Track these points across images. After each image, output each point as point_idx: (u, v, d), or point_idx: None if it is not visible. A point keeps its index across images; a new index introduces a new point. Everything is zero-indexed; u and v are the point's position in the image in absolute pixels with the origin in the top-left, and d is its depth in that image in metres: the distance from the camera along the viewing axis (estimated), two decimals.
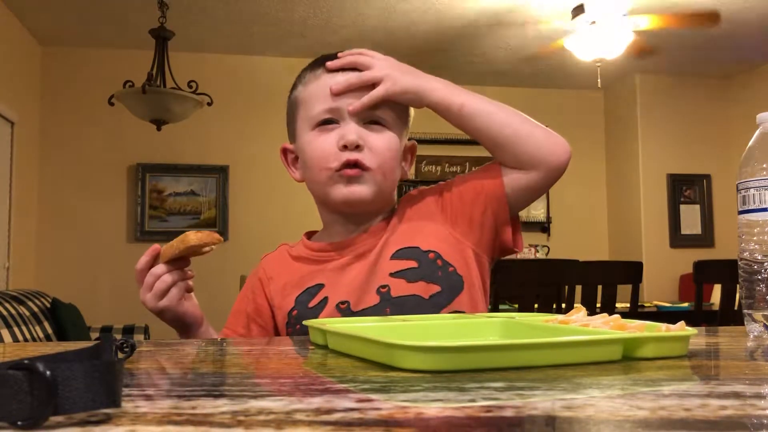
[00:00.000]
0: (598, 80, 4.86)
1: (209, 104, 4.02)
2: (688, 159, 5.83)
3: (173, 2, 4.06)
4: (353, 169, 0.96)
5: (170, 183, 5.17)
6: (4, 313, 2.87)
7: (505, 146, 0.96)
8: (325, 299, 0.99)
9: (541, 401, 0.37)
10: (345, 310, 0.97)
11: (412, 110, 1.07)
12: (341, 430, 0.31)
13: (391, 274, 0.97)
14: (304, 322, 0.73)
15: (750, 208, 0.75)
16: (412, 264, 0.98)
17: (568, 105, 6.13)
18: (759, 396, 0.39)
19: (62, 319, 3.47)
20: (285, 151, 1.08)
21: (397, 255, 0.99)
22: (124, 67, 4.61)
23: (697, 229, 5.84)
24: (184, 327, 0.96)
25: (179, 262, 0.92)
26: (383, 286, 0.97)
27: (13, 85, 4.51)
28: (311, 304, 0.99)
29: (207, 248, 0.87)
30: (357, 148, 0.96)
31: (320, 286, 1.00)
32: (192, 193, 5.19)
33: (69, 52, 5.06)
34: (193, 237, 0.85)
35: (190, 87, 3.92)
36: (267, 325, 1.04)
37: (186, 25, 4.47)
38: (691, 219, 5.83)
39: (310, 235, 1.11)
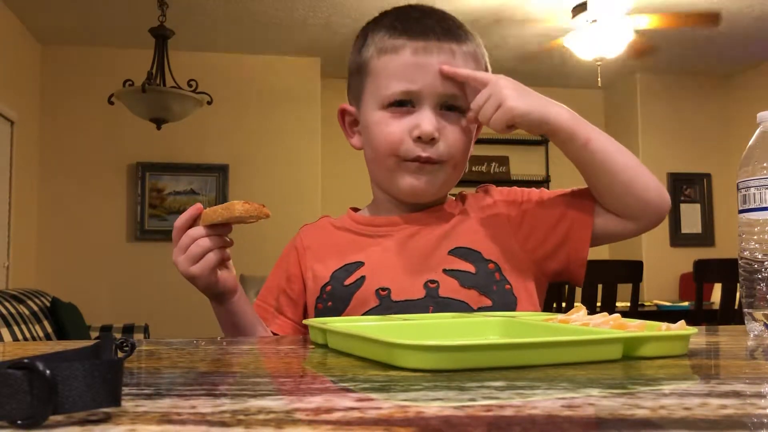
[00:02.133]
0: (599, 79, 4.86)
1: (209, 103, 4.01)
2: (689, 158, 5.83)
3: (173, 1, 4.06)
4: (424, 163, 0.90)
5: (170, 182, 5.17)
6: (4, 312, 2.87)
7: (616, 192, 0.89)
8: (362, 278, 0.92)
9: (541, 400, 0.37)
10: (385, 297, 0.90)
11: None
12: (341, 430, 0.31)
13: (445, 271, 0.91)
14: (304, 321, 0.72)
15: (750, 207, 0.75)
16: (470, 268, 0.92)
17: (568, 104, 6.00)
18: (759, 395, 0.39)
19: (62, 318, 3.47)
20: (344, 113, 1.00)
21: (457, 252, 0.93)
22: (124, 66, 4.61)
23: (697, 228, 5.84)
24: (216, 296, 0.89)
25: (220, 228, 0.84)
26: (432, 281, 0.90)
27: (13, 84, 4.51)
28: (347, 282, 0.93)
29: (252, 219, 0.81)
30: (432, 140, 0.89)
31: (359, 264, 0.93)
32: (192, 192, 5.19)
33: (69, 51, 5.06)
34: (239, 207, 0.80)
35: (190, 86, 3.92)
36: (298, 299, 0.98)
37: (186, 24, 4.46)
38: (691, 218, 5.83)
39: (356, 210, 1.05)
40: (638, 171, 0.89)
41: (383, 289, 0.91)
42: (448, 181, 0.95)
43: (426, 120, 0.89)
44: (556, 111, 0.88)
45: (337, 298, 0.93)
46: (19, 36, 4.65)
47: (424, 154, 0.90)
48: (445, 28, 0.93)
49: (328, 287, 0.94)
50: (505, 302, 0.91)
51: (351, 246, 0.96)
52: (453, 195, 1.03)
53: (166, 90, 3.79)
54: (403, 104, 0.91)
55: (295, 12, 4.45)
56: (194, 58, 4.96)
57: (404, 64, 0.90)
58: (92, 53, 5.08)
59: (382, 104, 0.91)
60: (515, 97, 0.86)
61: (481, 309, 0.89)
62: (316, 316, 0.94)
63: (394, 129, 0.90)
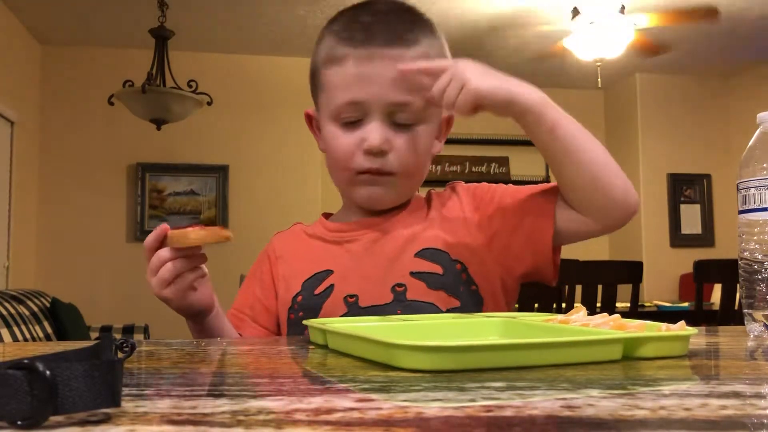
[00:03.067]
0: (598, 80, 4.86)
1: (209, 104, 4.01)
2: (689, 158, 5.83)
3: (173, 2, 4.06)
4: (376, 175, 0.89)
5: (170, 182, 5.17)
6: (4, 312, 2.87)
7: (579, 186, 0.85)
8: (332, 287, 0.91)
9: (541, 401, 0.37)
10: (353, 304, 0.89)
11: None
12: (341, 430, 0.31)
13: (412, 274, 0.90)
14: (304, 322, 0.72)
15: (750, 207, 0.75)
16: (437, 269, 0.90)
17: (568, 105, 6.01)
18: (759, 396, 0.39)
19: (62, 318, 3.47)
20: (310, 118, 1.00)
21: (424, 254, 0.91)
22: (124, 67, 4.61)
23: (697, 229, 5.84)
24: (191, 316, 0.88)
25: (189, 249, 0.82)
26: (400, 285, 0.89)
27: (13, 84, 4.51)
28: (317, 291, 0.92)
29: (213, 242, 0.79)
30: (381, 153, 0.88)
31: (329, 273, 0.93)
32: (192, 192, 5.19)
33: (69, 52, 5.06)
34: (193, 236, 0.79)
35: (190, 86, 3.92)
36: (272, 307, 0.97)
37: (186, 25, 4.46)
38: (691, 218, 5.83)
39: (328, 216, 1.04)
40: (606, 166, 0.84)
41: (351, 296, 0.90)
42: (404, 188, 0.95)
43: (373, 133, 0.87)
44: (525, 91, 0.82)
45: (308, 308, 0.92)
46: (19, 36, 4.65)
47: (374, 167, 0.88)
48: (392, 34, 0.89)
49: (299, 297, 0.93)
50: (473, 303, 0.90)
51: (321, 254, 0.96)
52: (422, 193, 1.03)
53: (166, 90, 3.79)
54: (353, 116, 0.89)
55: (296, 12, 4.45)
56: (194, 58, 4.96)
57: (349, 76, 0.88)
58: (92, 54, 5.08)
59: (332, 117, 0.91)
60: (479, 76, 0.81)
61: (450, 310, 0.88)
62: (288, 327, 0.94)
63: (343, 142, 0.90)
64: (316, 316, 0.90)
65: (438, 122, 0.96)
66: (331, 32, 0.93)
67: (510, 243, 0.92)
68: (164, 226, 0.82)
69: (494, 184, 0.99)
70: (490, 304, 0.92)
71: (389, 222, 0.96)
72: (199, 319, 0.89)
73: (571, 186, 0.87)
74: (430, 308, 0.88)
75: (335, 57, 0.90)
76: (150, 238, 0.82)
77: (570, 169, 0.85)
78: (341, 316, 0.89)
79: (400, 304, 0.89)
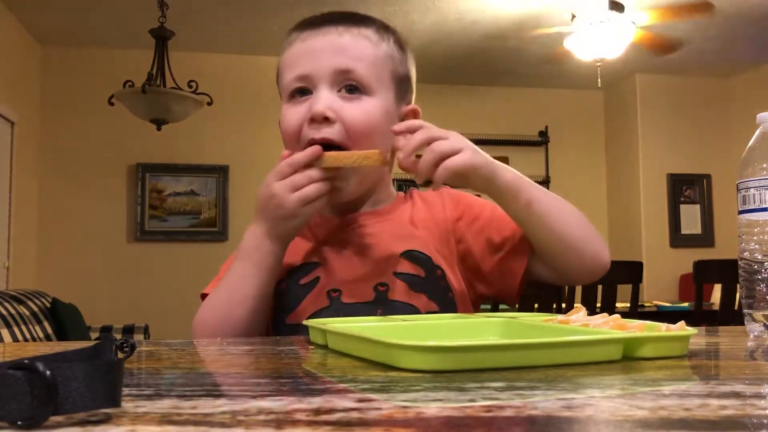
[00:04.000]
0: (598, 80, 4.86)
1: (209, 104, 4.01)
2: (689, 159, 5.83)
3: (173, 2, 4.06)
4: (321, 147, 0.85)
5: (170, 183, 5.17)
6: (4, 312, 2.87)
7: (551, 253, 0.89)
8: (317, 280, 0.91)
9: (541, 401, 0.37)
10: (336, 299, 0.89)
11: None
12: (341, 430, 0.31)
13: (396, 274, 0.90)
14: (304, 322, 0.72)
15: (750, 207, 0.75)
16: (420, 272, 0.91)
17: (568, 105, 6.14)
18: (759, 396, 0.39)
19: (62, 318, 3.47)
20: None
21: (408, 255, 0.91)
22: (124, 67, 4.61)
23: (697, 229, 5.84)
24: (287, 235, 0.86)
25: (331, 172, 0.83)
26: (382, 285, 0.90)
27: (13, 85, 4.51)
28: (303, 281, 0.92)
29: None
30: (326, 120, 0.86)
31: (316, 265, 0.93)
32: (192, 192, 5.19)
33: (69, 52, 5.06)
34: (352, 157, 0.81)
35: (190, 87, 3.92)
36: None
37: (186, 25, 4.46)
38: (691, 219, 5.83)
39: None
40: (578, 238, 0.88)
41: (335, 291, 0.90)
42: (362, 172, 0.89)
43: (318, 100, 0.87)
44: (503, 170, 0.86)
45: (292, 295, 0.92)
46: (19, 37, 4.65)
47: (318, 136, 0.86)
48: (346, 16, 0.93)
49: (283, 284, 0.92)
50: (450, 310, 0.91)
51: (307, 245, 0.95)
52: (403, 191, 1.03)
53: (167, 91, 3.79)
54: (303, 92, 0.90)
55: (296, 13, 4.44)
56: (194, 58, 4.96)
57: (294, 54, 0.91)
58: (92, 54, 5.08)
59: (286, 97, 0.92)
60: (473, 150, 0.83)
61: (429, 313, 0.88)
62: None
63: (292, 115, 0.89)
64: (297, 305, 0.91)
65: (399, 111, 0.95)
66: (289, 32, 0.96)
67: (481, 266, 0.95)
68: (318, 147, 0.83)
69: (482, 201, 0.99)
70: (461, 312, 0.93)
71: (376, 219, 0.96)
72: (284, 244, 0.88)
73: (542, 251, 0.91)
74: (410, 310, 0.88)
75: (288, 42, 0.93)
76: (303, 156, 0.82)
77: (542, 239, 0.89)
78: (322, 308, 0.89)
79: (381, 304, 0.89)
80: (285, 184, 0.83)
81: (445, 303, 0.91)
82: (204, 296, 0.94)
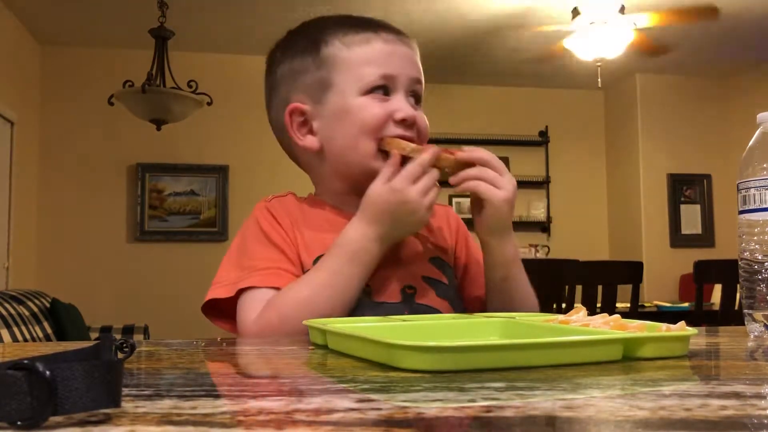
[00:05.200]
0: (599, 80, 4.86)
1: (209, 104, 4.01)
2: (689, 159, 5.83)
3: (173, 2, 4.06)
4: None
5: (170, 183, 5.17)
6: (4, 313, 2.87)
7: (498, 308, 0.96)
8: None
9: (542, 401, 0.37)
10: (366, 294, 0.89)
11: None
12: (341, 430, 0.31)
13: (424, 278, 0.93)
14: (304, 322, 0.72)
15: (750, 207, 0.75)
16: (444, 279, 0.95)
17: (568, 105, 6.14)
18: (759, 396, 0.39)
19: (62, 319, 3.46)
20: (293, 113, 0.96)
21: (435, 262, 0.96)
22: (124, 67, 4.61)
23: (697, 229, 5.84)
24: (399, 236, 0.90)
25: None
26: (410, 287, 0.92)
27: (13, 85, 4.51)
28: None
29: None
30: (413, 124, 0.93)
31: None
32: (192, 192, 5.19)
33: (69, 52, 5.06)
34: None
35: (190, 87, 3.92)
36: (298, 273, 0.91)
37: (186, 25, 4.46)
38: (691, 219, 5.83)
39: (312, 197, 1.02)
40: (527, 305, 0.97)
41: (367, 286, 0.90)
42: None
43: (405, 105, 0.92)
44: (511, 237, 0.94)
45: None
46: (19, 37, 4.65)
47: (407, 134, 0.92)
48: (396, 27, 0.99)
49: None
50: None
51: (336, 236, 0.92)
52: None
53: (166, 91, 3.79)
54: (382, 90, 0.93)
55: (295, 13, 4.44)
56: (194, 58, 4.96)
57: (379, 51, 0.93)
58: (92, 54, 5.08)
59: (362, 91, 0.92)
60: (512, 199, 0.90)
61: None
62: None
63: (377, 111, 0.91)
64: None
65: None
66: (335, 28, 0.96)
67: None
68: (439, 148, 0.88)
69: (477, 245, 1.03)
70: None
71: None
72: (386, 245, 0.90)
73: (489, 303, 0.98)
74: (436, 314, 0.90)
75: (361, 39, 0.94)
76: (431, 157, 0.87)
77: (498, 299, 0.96)
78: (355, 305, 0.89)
79: (408, 306, 0.91)
80: (418, 190, 0.85)
81: (461, 312, 0.95)
82: (210, 303, 0.92)
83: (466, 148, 0.91)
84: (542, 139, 6.09)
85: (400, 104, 0.92)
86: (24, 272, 4.64)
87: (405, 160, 0.88)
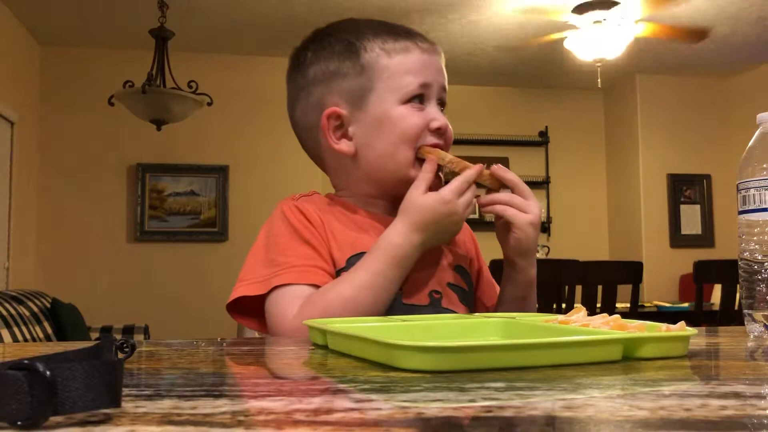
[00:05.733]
0: (599, 80, 4.86)
1: (209, 104, 4.02)
2: (689, 159, 5.83)
3: (173, 2, 4.06)
4: None
5: (170, 183, 5.17)
6: (4, 313, 2.87)
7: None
8: None
9: (541, 401, 0.37)
10: (397, 296, 0.90)
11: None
12: (341, 431, 0.31)
13: (449, 284, 0.98)
14: (304, 322, 0.72)
15: (750, 208, 0.75)
16: (464, 286, 1.00)
17: (568, 105, 6.14)
18: (759, 396, 0.39)
19: (62, 319, 3.47)
20: (330, 117, 0.96)
21: (458, 270, 1.00)
22: (124, 67, 4.61)
23: (697, 229, 5.83)
24: (434, 244, 0.94)
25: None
26: (437, 292, 0.96)
27: (12, 85, 4.51)
28: None
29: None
30: (445, 132, 0.97)
31: None
32: (192, 193, 5.19)
33: (69, 52, 5.06)
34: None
35: (190, 87, 3.92)
36: (332, 271, 0.92)
37: (186, 26, 4.46)
38: (691, 219, 5.83)
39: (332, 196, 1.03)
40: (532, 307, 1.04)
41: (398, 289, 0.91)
42: None
43: (439, 114, 0.97)
44: (534, 260, 0.99)
45: None
46: (19, 37, 4.65)
47: (439, 142, 0.96)
48: (429, 38, 1.03)
49: (343, 274, 0.92)
50: None
51: (367, 236, 0.95)
52: None
53: (166, 91, 3.79)
54: (419, 99, 0.96)
55: (296, 13, 4.45)
56: (194, 59, 4.96)
57: (418, 61, 0.97)
58: (92, 54, 5.08)
59: (402, 100, 0.95)
60: (538, 224, 0.95)
61: None
62: None
63: (416, 122, 0.95)
64: None
65: None
66: (374, 34, 0.99)
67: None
68: (481, 165, 0.94)
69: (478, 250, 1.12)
70: None
71: None
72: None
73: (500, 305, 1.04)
74: None
75: (401, 47, 0.97)
76: (475, 173, 0.92)
77: (511, 307, 1.01)
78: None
79: (434, 309, 0.94)
80: (464, 203, 0.91)
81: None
82: (234, 302, 0.92)
83: (495, 165, 0.96)
84: (542, 140, 6.09)
85: (435, 113, 0.96)
86: (24, 272, 4.64)
87: (438, 168, 0.93)
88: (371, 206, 1.00)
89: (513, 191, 0.95)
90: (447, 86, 1.01)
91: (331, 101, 0.97)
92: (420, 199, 0.90)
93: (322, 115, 0.97)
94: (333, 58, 0.98)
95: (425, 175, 0.91)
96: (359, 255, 0.91)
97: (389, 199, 0.98)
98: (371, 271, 0.87)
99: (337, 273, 0.92)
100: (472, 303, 1.03)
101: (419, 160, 0.94)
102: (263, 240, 0.96)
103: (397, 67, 0.96)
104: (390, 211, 0.97)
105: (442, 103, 1.00)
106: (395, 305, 0.91)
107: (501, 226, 0.96)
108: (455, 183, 0.91)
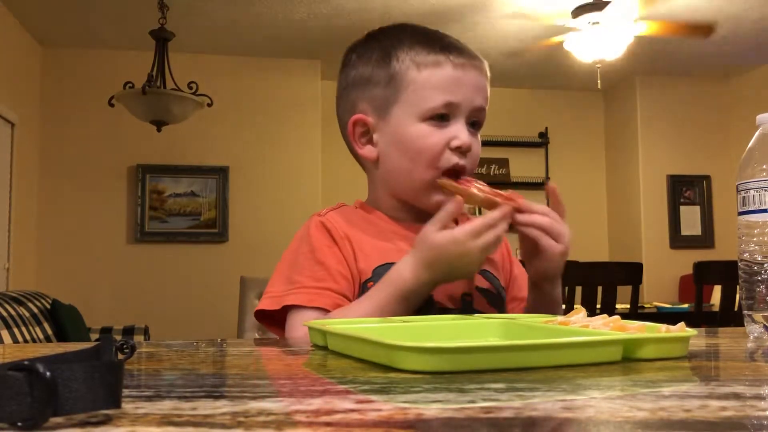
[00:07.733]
0: (598, 81, 4.86)
1: (209, 105, 4.02)
2: (688, 160, 5.83)
3: (173, 3, 4.06)
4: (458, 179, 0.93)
5: (170, 184, 5.17)
6: (4, 314, 2.87)
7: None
8: None
9: (541, 402, 0.37)
10: (430, 299, 0.91)
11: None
12: (341, 431, 0.31)
13: (478, 288, 0.98)
14: (304, 323, 0.72)
15: (750, 209, 0.75)
16: (493, 290, 1.00)
17: (568, 105, 6.14)
18: (759, 397, 0.39)
19: (62, 320, 3.46)
20: (356, 123, 0.98)
21: (486, 275, 1.00)
22: (124, 68, 4.61)
23: (697, 230, 5.83)
24: (444, 282, 0.90)
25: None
26: (468, 295, 0.96)
27: (13, 86, 4.51)
28: None
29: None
30: (467, 151, 0.94)
31: None
32: (192, 194, 5.19)
33: (69, 53, 5.06)
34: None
35: (190, 88, 3.92)
36: (349, 281, 0.93)
37: (186, 26, 4.47)
38: (691, 220, 5.83)
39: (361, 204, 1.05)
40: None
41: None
42: None
43: (463, 132, 0.93)
44: (559, 281, 0.98)
45: None
46: (19, 38, 4.65)
47: (461, 162, 0.93)
48: (470, 49, 0.99)
49: (370, 283, 0.92)
50: None
51: (395, 243, 0.95)
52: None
53: (167, 92, 3.79)
54: (442, 117, 0.93)
55: (296, 14, 4.45)
56: (195, 60, 4.97)
57: (447, 77, 0.94)
58: (92, 55, 5.08)
59: (423, 116, 0.93)
60: (567, 253, 0.93)
61: None
62: None
63: (436, 141, 0.93)
64: None
65: None
66: (411, 43, 0.97)
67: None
68: (511, 209, 0.89)
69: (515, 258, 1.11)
70: None
71: None
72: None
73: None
74: None
75: (432, 61, 0.95)
76: (500, 217, 0.87)
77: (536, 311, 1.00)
78: (420, 308, 0.90)
79: (467, 312, 0.94)
80: (479, 246, 0.85)
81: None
82: (263, 312, 0.94)
83: (523, 201, 0.92)
84: (542, 141, 6.09)
85: (457, 131, 0.93)
86: (24, 273, 4.64)
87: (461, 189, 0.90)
88: (397, 212, 1.00)
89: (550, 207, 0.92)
90: (485, 105, 0.97)
91: (360, 107, 0.98)
92: (432, 237, 0.86)
93: (350, 119, 0.99)
94: (370, 64, 0.99)
95: (443, 214, 0.87)
96: (386, 265, 0.91)
97: (412, 209, 0.99)
98: (377, 304, 0.87)
99: (363, 284, 0.93)
100: (503, 305, 1.02)
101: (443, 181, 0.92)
102: (288, 255, 0.99)
103: (423, 81, 0.94)
104: (418, 219, 0.96)
105: (474, 124, 0.96)
106: (431, 307, 0.91)
107: (529, 249, 0.92)
108: (473, 224, 0.86)
